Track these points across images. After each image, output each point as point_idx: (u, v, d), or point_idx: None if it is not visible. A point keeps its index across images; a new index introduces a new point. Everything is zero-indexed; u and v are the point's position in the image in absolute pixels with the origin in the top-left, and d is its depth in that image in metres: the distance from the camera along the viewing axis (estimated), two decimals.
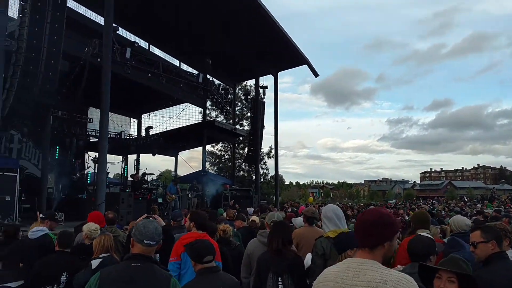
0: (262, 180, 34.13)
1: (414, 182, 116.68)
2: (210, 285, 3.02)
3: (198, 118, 26.70)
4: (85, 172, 18.71)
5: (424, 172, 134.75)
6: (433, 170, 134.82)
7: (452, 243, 4.15)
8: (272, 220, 4.51)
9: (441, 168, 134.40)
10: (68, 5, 11.37)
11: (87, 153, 20.66)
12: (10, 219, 10.82)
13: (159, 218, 5.50)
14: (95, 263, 3.75)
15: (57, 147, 17.81)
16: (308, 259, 3.86)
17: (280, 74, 25.55)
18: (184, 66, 21.32)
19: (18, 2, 9.86)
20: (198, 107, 25.79)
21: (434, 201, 46.20)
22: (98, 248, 4.04)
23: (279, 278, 3.65)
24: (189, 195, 19.66)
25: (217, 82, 20.03)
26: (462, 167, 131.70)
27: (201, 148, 25.55)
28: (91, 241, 4.35)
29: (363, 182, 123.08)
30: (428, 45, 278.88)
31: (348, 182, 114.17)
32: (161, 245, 2.62)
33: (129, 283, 2.36)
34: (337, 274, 1.80)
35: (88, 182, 18.05)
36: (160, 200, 16.94)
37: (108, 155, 13.38)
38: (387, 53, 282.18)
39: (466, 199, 44.27)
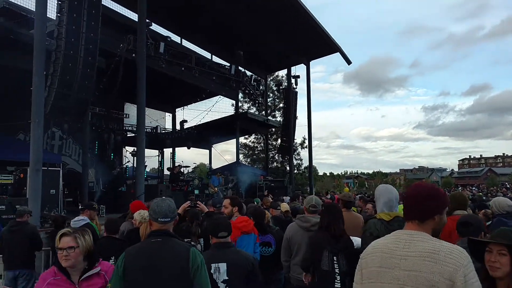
0: (295, 171, 34.07)
1: (452, 169, 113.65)
2: (215, 259, 3.22)
3: (230, 111, 26.89)
4: (124, 166, 19.19)
5: (462, 160, 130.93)
6: (472, 157, 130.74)
7: (498, 223, 4.05)
8: (310, 205, 4.53)
9: (481, 155, 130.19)
10: (102, 2, 11.63)
11: (124, 147, 21.22)
12: (55, 212, 11.26)
13: (202, 205, 5.62)
14: None
15: (96, 142, 18.37)
16: (354, 241, 3.90)
17: (311, 63, 25.33)
18: (216, 59, 21.46)
19: (56, 2, 10.15)
20: (230, 100, 25.94)
21: (473, 188, 44.89)
22: (145, 233, 4.19)
23: (335, 257, 3.77)
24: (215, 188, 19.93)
25: (248, 73, 20.09)
26: (503, 153, 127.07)
27: (234, 140, 25.74)
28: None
29: (398, 171, 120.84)
30: (464, 28, 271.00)
31: (383, 171, 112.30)
32: (177, 220, 2.81)
33: (149, 255, 2.53)
34: (386, 245, 1.80)
35: (127, 175, 18.52)
36: (196, 191, 17.24)
37: (145, 149, 13.70)
38: (421, 39, 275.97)
39: (508, 186, 42.78)
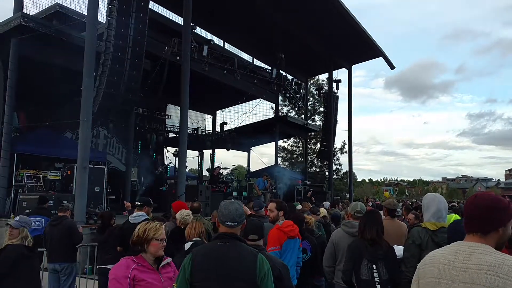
0: (334, 176, 33.71)
1: (498, 180, 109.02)
2: None
3: (270, 114, 26.97)
4: (165, 166, 19.58)
5: (510, 170, 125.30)
6: None
7: None
8: (355, 210, 4.49)
9: None
10: (149, 6, 11.94)
11: (165, 147, 21.66)
12: (100, 208, 11.63)
13: (245, 207, 5.66)
14: (187, 245, 3.97)
15: (139, 142, 18.83)
16: (396, 250, 3.81)
17: (353, 68, 25.06)
18: (257, 62, 21.59)
19: (106, 6, 10.51)
20: (270, 103, 26.00)
21: None
22: (190, 233, 4.26)
23: (374, 266, 3.69)
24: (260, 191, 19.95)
25: (289, 77, 20.07)
26: None
27: (273, 143, 25.75)
28: (185, 226, 4.58)
29: (440, 179, 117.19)
30: None
31: (425, 179, 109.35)
32: (245, 224, 2.74)
33: (217, 259, 2.50)
34: (445, 256, 1.74)
35: (168, 175, 18.87)
36: (234, 193, 17.34)
37: (186, 150, 13.93)
38: (468, 43, 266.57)
39: None
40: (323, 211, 7.48)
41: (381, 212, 5.79)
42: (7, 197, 11.41)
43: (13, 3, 12.61)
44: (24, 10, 12.29)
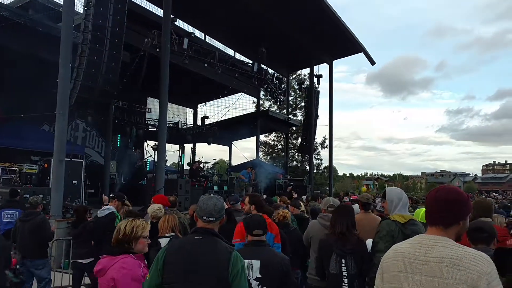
0: (315, 170, 33.92)
1: (475, 175, 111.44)
2: (249, 256, 3.18)
3: (251, 108, 26.91)
4: (145, 160, 19.41)
5: (486, 165, 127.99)
6: (496, 162, 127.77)
7: None
8: (328, 205, 4.52)
9: (506, 161, 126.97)
10: None
11: (146, 141, 21.46)
12: (77, 202, 11.47)
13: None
14: (163, 241, 3.92)
15: (119, 135, 18.61)
16: (368, 244, 3.84)
17: (334, 63, 25.19)
18: (238, 56, 21.50)
19: None
20: (252, 97, 25.96)
21: (497, 194, 43.93)
22: (163, 227, 4.22)
23: (343, 260, 3.71)
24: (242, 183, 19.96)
25: (271, 71, 20.05)
26: None
27: (254, 138, 25.75)
28: (157, 220, 4.55)
29: (420, 174, 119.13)
30: (493, 31, 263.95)
31: (404, 174, 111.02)
32: (224, 220, 2.73)
33: (189, 254, 2.50)
34: (407, 250, 1.76)
35: (148, 169, 18.71)
36: (215, 187, 17.28)
37: (166, 143, 13.81)
38: (449, 40, 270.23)
39: None
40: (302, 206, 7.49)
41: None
42: None
43: None
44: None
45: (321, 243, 3.91)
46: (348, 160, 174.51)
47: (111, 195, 5.86)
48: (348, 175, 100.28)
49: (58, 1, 13.85)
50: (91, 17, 10.11)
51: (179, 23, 16.68)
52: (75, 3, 10.97)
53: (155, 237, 4.20)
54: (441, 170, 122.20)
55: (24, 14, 11.63)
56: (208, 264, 2.47)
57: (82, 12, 10.72)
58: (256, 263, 3.20)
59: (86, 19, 10.19)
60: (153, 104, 21.29)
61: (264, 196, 12.02)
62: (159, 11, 16.03)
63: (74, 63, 10.09)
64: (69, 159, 12.22)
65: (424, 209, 5.56)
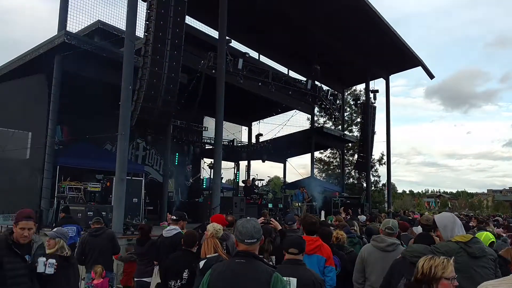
0: (373, 188, 33.04)
1: None
2: (286, 273, 3.14)
3: (306, 125, 26.82)
4: (201, 177, 19.82)
5: None
6: None
7: None
8: (386, 227, 4.41)
9: None
10: (185, 21, 12.21)
11: (202, 159, 21.94)
12: (137, 220, 11.87)
13: (275, 222, 5.62)
14: (201, 263, 4.00)
15: (177, 154, 19.15)
16: None
17: (391, 77, 24.65)
18: (292, 74, 21.60)
19: (144, 22, 10.82)
20: (305, 114, 25.90)
21: None
22: (205, 249, 4.27)
23: None
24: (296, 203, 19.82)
25: (325, 88, 19.95)
26: None
27: (309, 154, 25.59)
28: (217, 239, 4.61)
29: (486, 191, 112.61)
30: None
31: (469, 191, 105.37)
32: (263, 240, 2.78)
33: (231, 277, 2.58)
34: None
35: (204, 186, 19.08)
36: (270, 205, 17.30)
37: (221, 161, 14.04)
38: None
39: None
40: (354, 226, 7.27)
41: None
42: (50, 208, 11.85)
43: (57, 21, 13.20)
44: (68, 27, 12.83)
45: (393, 267, 3.78)
46: (407, 176, 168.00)
47: (174, 217, 5.95)
48: (408, 192, 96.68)
49: (120, 27, 14.62)
50: (151, 42, 10.58)
51: (234, 44, 17.06)
52: (137, 29, 11.51)
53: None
54: (510, 187, 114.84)
55: (90, 42, 12.38)
56: (250, 285, 2.53)
57: (142, 37, 11.24)
58: (293, 281, 3.20)
59: (146, 44, 10.68)
60: (209, 122, 21.81)
61: (322, 215, 11.86)
62: (214, 33, 16.50)
63: (135, 85, 10.58)
64: (130, 178, 12.73)
65: (486, 233, 5.27)
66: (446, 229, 3.52)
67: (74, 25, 13.37)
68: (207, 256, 4.16)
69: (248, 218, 2.83)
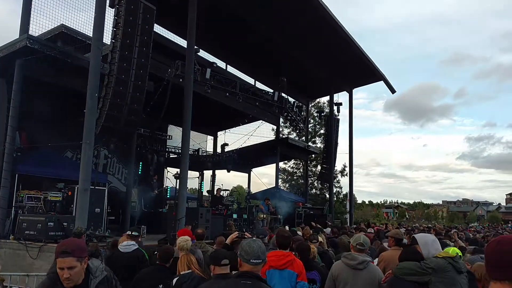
0: (335, 198, 33.54)
1: (499, 204, 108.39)
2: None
3: (271, 135, 26.96)
4: (165, 187, 19.49)
5: (510, 194, 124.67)
6: None
7: None
8: (358, 243, 4.43)
9: None
10: (154, 29, 12.05)
11: (166, 168, 21.59)
12: (100, 231, 11.51)
13: (249, 235, 5.59)
14: (174, 280, 3.94)
15: (141, 163, 18.77)
16: None
17: (353, 91, 25.22)
18: (259, 85, 21.72)
19: (112, 29, 10.60)
20: (271, 125, 26.06)
21: None
22: (179, 266, 4.21)
23: None
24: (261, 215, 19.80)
25: (291, 99, 20.16)
26: None
27: (273, 165, 25.70)
28: (185, 252, 4.54)
29: (441, 202, 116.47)
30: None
31: (425, 202, 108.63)
32: (266, 262, 2.69)
33: None
34: None
35: (168, 196, 18.76)
36: (234, 216, 17.20)
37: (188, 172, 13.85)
38: (467, 68, 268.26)
39: None
40: (321, 238, 7.34)
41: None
42: (7, 218, 11.33)
43: (19, 24, 12.73)
44: (30, 31, 12.39)
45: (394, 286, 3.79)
46: (367, 187, 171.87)
47: (132, 233, 5.76)
48: (367, 202, 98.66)
49: (86, 33, 14.27)
50: (118, 49, 10.36)
51: (202, 53, 17.01)
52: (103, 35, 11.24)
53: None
54: (463, 199, 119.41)
55: (53, 46, 12.00)
56: None
57: (109, 43, 11.00)
58: None
59: (113, 51, 10.44)
60: (173, 131, 21.55)
61: (287, 228, 11.86)
62: (183, 42, 16.38)
63: (100, 93, 10.31)
64: (93, 187, 12.37)
65: (453, 248, 5.44)
66: (426, 245, 3.63)
67: (37, 29, 12.94)
68: (181, 273, 4.09)
69: (254, 238, 2.81)
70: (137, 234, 5.74)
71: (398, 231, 5.24)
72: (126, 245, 5.58)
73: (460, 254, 5.47)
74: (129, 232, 5.81)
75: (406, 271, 3.53)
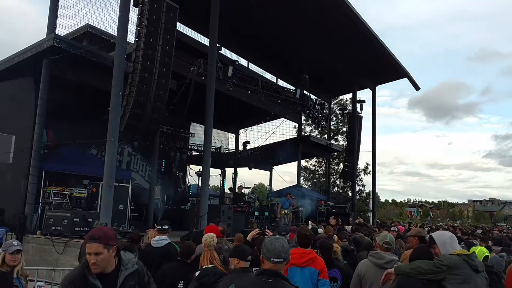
0: (357, 197, 33.24)
1: None
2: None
3: (293, 133, 26.86)
4: (188, 184, 19.67)
5: None
6: None
7: None
8: (384, 241, 4.37)
9: None
10: (176, 28, 12.14)
11: (188, 165, 21.80)
12: (124, 227, 11.71)
13: (271, 233, 5.57)
14: (197, 273, 3.96)
15: (164, 160, 18.98)
16: None
17: (377, 88, 24.90)
18: (281, 82, 21.68)
19: (135, 28, 10.73)
20: (293, 122, 25.98)
21: None
22: (201, 262, 4.25)
23: None
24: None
25: (313, 97, 20.05)
26: None
27: (295, 162, 25.63)
28: (211, 248, 4.57)
29: (466, 201, 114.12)
30: None
31: (450, 201, 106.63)
32: (289, 261, 2.67)
33: None
34: None
35: (190, 193, 18.93)
36: (256, 213, 17.25)
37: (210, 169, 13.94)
38: (493, 65, 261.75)
39: None
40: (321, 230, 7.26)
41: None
42: (34, 214, 11.62)
43: (46, 23, 13.00)
44: (57, 30, 12.64)
45: (405, 285, 3.73)
46: (390, 185, 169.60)
47: (164, 226, 5.77)
48: (390, 201, 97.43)
49: (110, 32, 14.50)
50: (141, 48, 10.47)
51: (224, 51, 17.08)
52: (127, 33, 11.39)
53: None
54: (489, 198, 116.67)
55: (79, 46, 12.24)
56: None
57: (133, 42, 11.14)
58: None
59: (137, 50, 10.57)
60: (196, 129, 21.73)
61: (310, 225, 11.83)
62: (205, 41, 16.47)
63: (124, 91, 10.46)
64: (117, 184, 12.56)
65: (480, 247, 5.34)
66: (445, 245, 3.55)
67: (63, 28, 13.19)
68: (203, 267, 4.14)
69: (277, 236, 2.77)
70: (167, 227, 5.74)
71: (420, 229, 5.17)
72: (158, 240, 5.54)
73: (487, 254, 5.37)
74: (159, 227, 5.80)
75: (421, 271, 3.47)
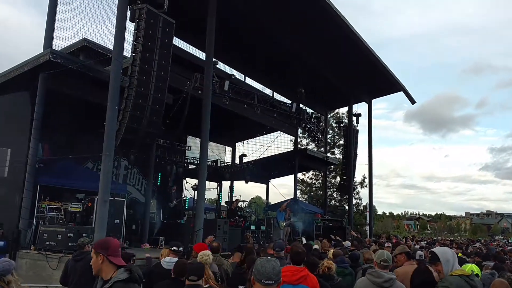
0: (354, 210, 33.17)
1: None
2: None
3: (289, 146, 26.90)
4: (183, 198, 19.58)
5: None
6: None
7: None
8: (382, 259, 4.36)
9: None
10: (173, 42, 12.20)
11: (185, 179, 21.72)
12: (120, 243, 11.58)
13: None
14: None
15: (159, 173, 18.91)
16: None
17: (373, 101, 25.03)
18: (277, 96, 21.78)
19: (132, 42, 10.78)
20: (289, 135, 26.02)
21: None
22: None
23: None
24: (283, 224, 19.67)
25: (309, 110, 20.13)
26: None
27: (292, 176, 25.62)
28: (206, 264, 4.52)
29: (464, 214, 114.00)
30: None
31: (447, 214, 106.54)
32: (280, 284, 2.63)
33: None
34: None
35: (186, 207, 18.83)
36: (252, 227, 17.14)
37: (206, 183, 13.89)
38: (489, 78, 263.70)
39: None
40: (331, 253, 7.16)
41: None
42: (29, 228, 11.53)
43: (43, 37, 13.02)
44: (54, 44, 12.65)
45: None
46: (387, 198, 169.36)
47: (175, 248, 5.55)
48: (388, 214, 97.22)
49: (107, 46, 14.53)
50: (138, 62, 10.51)
51: (221, 65, 17.14)
52: (124, 48, 11.43)
53: None
54: (486, 211, 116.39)
55: (76, 60, 12.26)
56: None
57: (129, 56, 11.17)
58: None
59: (133, 64, 10.60)
60: (192, 142, 21.69)
61: (303, 240, 11.74)
62: (201, 55, 16.55)
63: (120, 105, 10.46)
64: (112, 198, 12.49)
65: (471, 265, 5.31)
66: (448, 263, 3.57)
67: (60, 42, 13.21)
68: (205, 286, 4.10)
69: (269, 258, 2.72)
70: (181, 249, 5.59)
71: (403, 246, 5.18)
72: (169, 261, 5.36)
73: (477, 272, 5.34)
74: (174, 248, 5.65)
75: None
